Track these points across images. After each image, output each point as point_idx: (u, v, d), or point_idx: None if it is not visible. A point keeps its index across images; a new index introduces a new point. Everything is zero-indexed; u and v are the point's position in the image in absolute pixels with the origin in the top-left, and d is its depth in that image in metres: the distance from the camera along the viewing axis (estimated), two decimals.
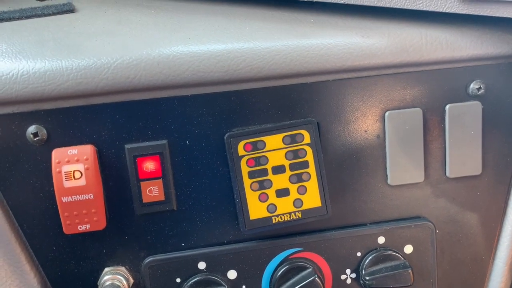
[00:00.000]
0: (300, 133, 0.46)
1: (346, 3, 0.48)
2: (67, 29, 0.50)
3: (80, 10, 0.55)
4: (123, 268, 0.46)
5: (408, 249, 0.49)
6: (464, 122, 0.48)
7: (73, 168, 0.42)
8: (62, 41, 0.46)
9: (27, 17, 0.52)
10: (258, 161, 0.46)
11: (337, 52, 0.45)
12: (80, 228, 0.43)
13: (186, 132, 0.45)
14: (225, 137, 0.45)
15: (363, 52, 0.45)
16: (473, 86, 0.48)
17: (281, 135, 0.46)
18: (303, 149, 0.46)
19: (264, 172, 0.46)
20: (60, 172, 0.42)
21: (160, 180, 0.45)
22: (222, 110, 0.45)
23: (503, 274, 0.52)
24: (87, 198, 0.42)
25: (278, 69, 0.44)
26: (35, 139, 0.43)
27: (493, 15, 0.43)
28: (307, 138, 0.46)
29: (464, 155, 0.49)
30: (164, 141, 0.44)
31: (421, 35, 0.46)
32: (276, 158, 0.46)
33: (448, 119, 0.48)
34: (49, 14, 0.53)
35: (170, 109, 0.44)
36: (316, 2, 0.50)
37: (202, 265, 0.46)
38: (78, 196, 0.42)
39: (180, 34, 0.47)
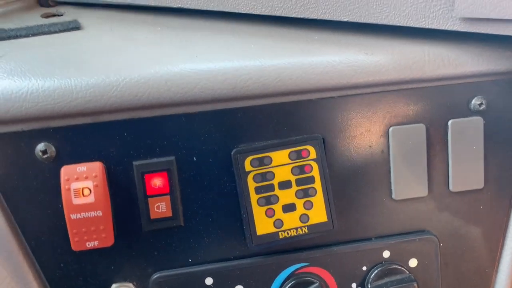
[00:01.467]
0: (306, 149, 0.46)
1: (350, 20, 0.49)
2: (74, 47, 0.50)
3: (86, 28, 0.56)
4: (130, 285, 0.46)
5: (413, 262, 0.50)
6: (466, 137, 0.49)
7: (82, 185, 0.42)
8: (70, 59, 0.47)
9: (34, 35, 0.53)
10: (264, 176, 0.46)
11: (342, 69, 0.46)
12: (89, 244, 0.43)
13: (194, 148, 0.45)
14: (232, 153, 0.46)
15: (367, 69, 0.46)
16: (475, 102, 0.49)
17: (287, 151, 0.46)
18: (309, 164, 0.46)
19: (271, 187, 0.46)
20: (69, 189, 0.42)
21: (168, 197, 0.45)
22: (229, 126, 0.46)
23: (506, 287, 0.52)
24: (95, 215, 0.42)
25: (284, 86, 0.45)
26: (44, 157, 0.43)
27: (494, 33, 0.44)
28: (313, 154, 0.46)
29: (467, 170, 0.50)
30: (172, 158, 0.45)
31: (423, 52, 0.47)
32: (283, 173, 0.46)
33: (451, 134, 0.49)
34: (56, 32, 0.54)
35: (177, 126, 0.45)
36: (320, 20, 0.51)
37: (209, 281, 0.47)
38: (87, 213, 0.42)
39: (187, 51, 0.48)
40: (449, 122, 0.49)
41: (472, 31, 0.45)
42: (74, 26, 0.54)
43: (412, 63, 0.47)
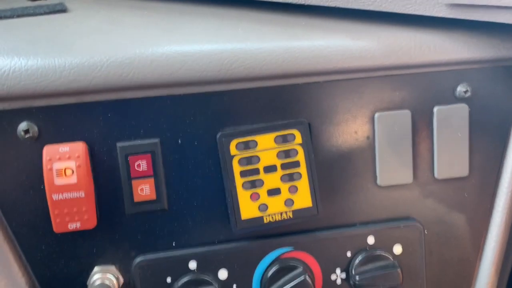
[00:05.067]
0: (291, 133, 0.46)
1: (337, 6, 0.49)
2: (60, 28, 0.50)
3: (73, 11, 0.56)
4: (113, 267, 0.45)
5: (397, 249, 0.50)
6: (451, 124, 0.49)
7: (65, 165, 0.42)
8: (55, 40, 0.46)
9: (19, 16, 0.52)
10: (250, 160, 0.46)
11: (328, 54, 0.46)
12: (71, 226, 0.43)
13: (178, 131, 0.45)
14: (217, 136, 0.45)
15: (353, 54, 0.46)
16: (460, 89, 0.49)
17: (273, 135, 0.46)
18: (295, 149, 0.46)
19: (256, 171, 0.46)
20: (51, 169, 0.41)
21: (152, 179, 0.45)
22: (214, 109, 0.45)
23: (490, 275, 0.53)
24: (78, 196, 0.42)
25: (270, 69, 0.45)
26: (26, 136, 0.42)
27: (480, 20, 0.44)
28: (298, 138, 0.46)
29: (452, 157, 0.50)
30: (156, 140, 0.45)
31: (410, 38, 0.47)
32: (268, 157, 0.46)
33: (436, 121, 0.49)
34: (41, 14, 0.53)
35: (162, 108, 0.44)
36: (307, 5, 0.51)
37: (193, 265, 0.46)
38: (69, 193, 0.42)
39: (173, 34, 0.47)
40: (435, 109, 0.49)
41: (458, 17, 0.45)
42: (60, 9, 0.54)
43: (398, 49, 0.47)
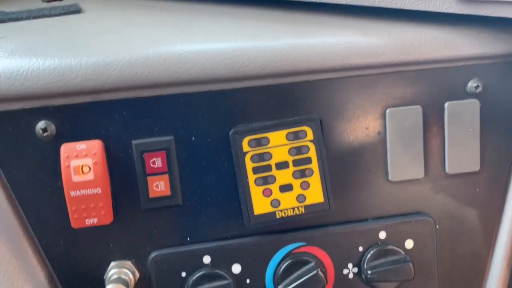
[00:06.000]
0: (303, 130, 0.47)
1: (347, 3, 0.50)
2: (75, 29, 0.51)
3: (87, 11, 0.57)
4: (129, 262, 0.47)
5: (409, 244, 0.50)
6: (462, 119, 0.49)
7: (82, 162, 0.43)
8: (70, 40, 0.47)
9: (35, 17, 0.53)
10: (262, 157, 0.47)
11: (339, 51, 0.46)
12: (88, 222, 0.44)
13: (192, 128, 0.46)
14: (230, 133, 0.46)
15: (364, 50, 0.46)
16: (471, 84, 0.49)
17: (284, 132, 0.47)
18: (306, 145, 0.47)
19: (268, 168, 0.47)
20: (68, 166, 0.43)
21: (166, 175, 0.46)
22: (227, 107, 0.46)
23: (502, 269, 0.53)
24: (95, 192, 0.43)
25: (281, 67, 0.45)
26: (44, 135, 0.44)
27: (491, 15, 0.44)
28: (310, 135, 0.47)
29: (463, 152, 0.50)
30: (170, 137, 0.45)
31: (420, 34, 0.47)
32: (280, 154, 0.47)
33: (447, 117, 0.49)
34: (56, 15, 0.54)
35: (176, 106, 0.45)
36: (317, 3, 0.52)
37: (207, 259, 0.47)
38: (86, 190, 0.43)
39: (185, 33, 0.48)
40: (446, 105, 0.49)
41: (469, 13, 0.45)
42: (75, 10, 0.55)
43: (409, 45, 0.47)
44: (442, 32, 0.48)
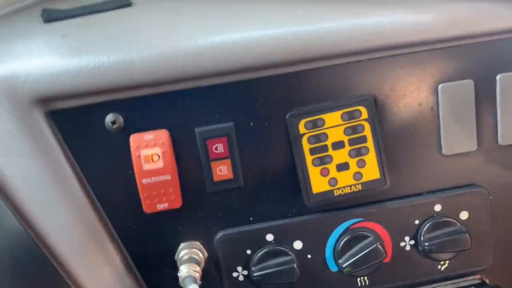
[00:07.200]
0: (357, 110, 0.48)
1: None
2: (129, 23, 0.53)
3: (137, 4, 0.58)
4: (197, 243, 0.49)
5: (464, 215, 0.51)
6: None
7: (151, 151, 0.45)
8: (128, 34, 0.49)
9: (90, 13, 0.55)
10: (318, 138, 0.48)
11: (391, 29, 0.47)
12: (159, 207, 0.47)
13: (250, 113, 0.48)
14: (287, 116, 0.48)
15: (415, 28, 0.47)
16: None
17: (339, 112, 0.48)
18: (361, 124, 0.48)
19: (325, 148, 0.48)
20: (139, 156, 0.45)
21: (228, 160, 0.48)
22: (282, 91, 0.48)
23: None
24: (165, 179, 0.46)
25: (334, 48, 0.46)
26: (113, 127, 0.46)
27: None
28: (364, 114, 0.48)
29: None
30: (231, 124, 0.47)
31: (470, 8, 0.48)
32: (336, 134, 0.48)
33: (499, 89, 0.50)
34: (109, 9, 0.56)
35: (234, 93, 0.47)
36: None
37: (270, 237, 0.50)
38: (156, 177, 0.45)
39: (237, 21, 0.49)
40: (497, 77, 0.49)
41: None
42: (126, 3, 0.56)
43: (459, 20, 0.47)
44: (492, 4, 0.48)
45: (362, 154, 0.49)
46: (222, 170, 0.48)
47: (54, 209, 0.46)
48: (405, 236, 0.51)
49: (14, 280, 0.44)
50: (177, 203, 0.47)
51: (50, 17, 0.55)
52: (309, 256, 0.51)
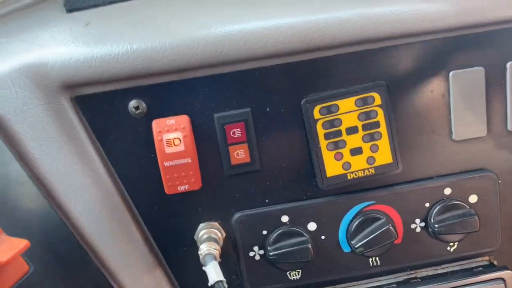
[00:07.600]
0: (371, 96, 0.50)
1: None
2: (150, 11, 0.54)
3: None
4: (216, 223, 0.52)
5: (473, 198, 0.53)
6: None
7: (173, 136, 0.47)
8: (149, 23, 0.51)
9: (110, 3, 0.57)
10: (332, 123, 0.50)
11: (403, 18, 0.48)
12: (180, 188, 0.49)
13: (266, 100, 0.50)
14: (302, 102, 0.50)
15: (428, 16, 0.48)
16: None
17: (353, 98, 0.50)
18: (375, 110, 0.50)
19: (339, 133, 0.50)
20: (161, 140, 0.47)
21: (246, 144, 0.50)
22: (298, 78, 0.49)
23: None
24: (186, 162, 0.48)
25: (349, 36, 0.48)
26: (136, 112, 0.48)
27: None
28: (377, 100, 0.50)
29: None
30: (248, 109, 0.49)
31: None
32: (350, 119, 0.50)
33: (509, 76, 0.51)
34: None
35: (252, 80, 0.49)
36: None
37: (285, 219, 0.52)
38: (178, 160, 0.48)
39: (255, 10, 0.51)
40: (508, 64, 0.51)
41: None
42: None
43: (471, 8, 0.49)
44: None
45: (375, 139, 0.50)
46: (240, 154, 0.50)
47: (80, 190, 0.48)
48: (416, 218, 0.53)
49: (44, 255, 0.47)
50: (197, 185, 0.49)
51: (73, 6, 0.56)
52: (322, 237, 0.53)
